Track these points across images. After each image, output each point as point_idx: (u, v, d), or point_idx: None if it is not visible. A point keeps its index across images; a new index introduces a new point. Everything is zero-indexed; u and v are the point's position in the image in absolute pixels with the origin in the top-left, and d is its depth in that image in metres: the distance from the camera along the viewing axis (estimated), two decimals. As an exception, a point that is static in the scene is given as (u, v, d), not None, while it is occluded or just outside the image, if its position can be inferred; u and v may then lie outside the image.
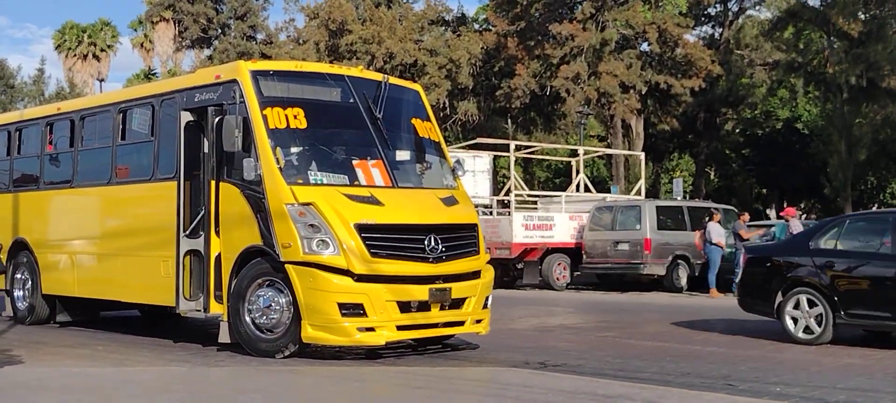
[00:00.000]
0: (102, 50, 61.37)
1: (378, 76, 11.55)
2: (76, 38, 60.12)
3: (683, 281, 22.84)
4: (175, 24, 46.72)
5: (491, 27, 38.84)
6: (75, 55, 60.29)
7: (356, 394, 7.94)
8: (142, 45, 61.46)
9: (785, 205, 37.18)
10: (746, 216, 23.90)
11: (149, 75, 57.62)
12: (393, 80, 11.55)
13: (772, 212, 44.60)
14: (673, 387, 8.29)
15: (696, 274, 22.76)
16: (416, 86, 12.38)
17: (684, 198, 30.67)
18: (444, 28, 42.86)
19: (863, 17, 33.99)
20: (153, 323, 13.25)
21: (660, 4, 36.98)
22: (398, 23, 40.39)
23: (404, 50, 38.32)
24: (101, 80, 59.84)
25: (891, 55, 31.64)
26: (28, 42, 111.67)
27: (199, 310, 10.85)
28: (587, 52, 34.80)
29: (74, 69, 59.94)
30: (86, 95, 41.33)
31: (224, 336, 10.32)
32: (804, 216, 41.58)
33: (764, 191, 47.18)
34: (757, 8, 42.69)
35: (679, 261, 22.90)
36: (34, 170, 14.15)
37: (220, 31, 45.32)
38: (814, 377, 9.22)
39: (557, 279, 23.99)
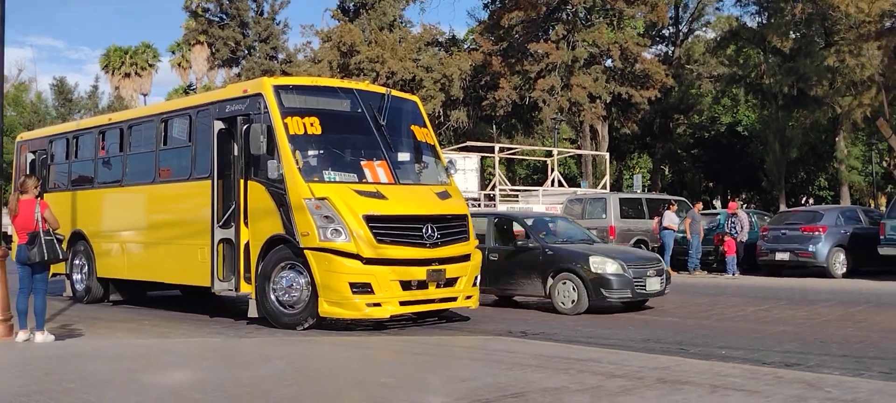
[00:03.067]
0: (144, 68, 61.37)
1: (382, 89, 11.58)
2: (120, 60, 60.14)
3: (643, 262, 22.91)
4: (208, 47, 46.60)
5: (478, 47, 38.83)
6: (120, 73, 60.27)
7: (365, 359, 7.96)
8: (179, 65, 61.51)
9: (729, 198, 37.33)
10: (700, 205, 24.05)
11: (187, 90, 57.59)
12: (394, 93, 11.57)
13: (718, 203, 44.79)
14: (635, 352, 8.32)
15: (654, 255, 22.86)
16: (415, 98, 12.40)
17: (643, 191, 30.76)
18: (438, 48, 42.83)
19: (793, 35, 34.07)
20: (192, 301, 13.24)
21: (621, 27, 36.99)
22: (399, 44, 40.38)
23: (404, 67, 38.29)
24: (145, 95, 59.87)
25: (817, 68, 31.72)
26: (82, 62, 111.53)
27: (231, 290, 10.88)
28: (560, 67, 34.86)
29: (120, 85, 59.93)
30: (132, 108, 41.28)
31: (253, 312, 10.37)
32: (744, 206, 41.69)
33: (710, 184, 47.31)
34: (704, 29, 42.92)
35: (639, 245, 22.97)
36: (89, 171, 14.17)
37: (246, 52, 45.20)
38: (754, 342, 9.29)
39: (536, 261, 24.06)
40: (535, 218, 15.19)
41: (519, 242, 13.13)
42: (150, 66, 62.07)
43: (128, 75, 60.62)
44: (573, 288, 11.89)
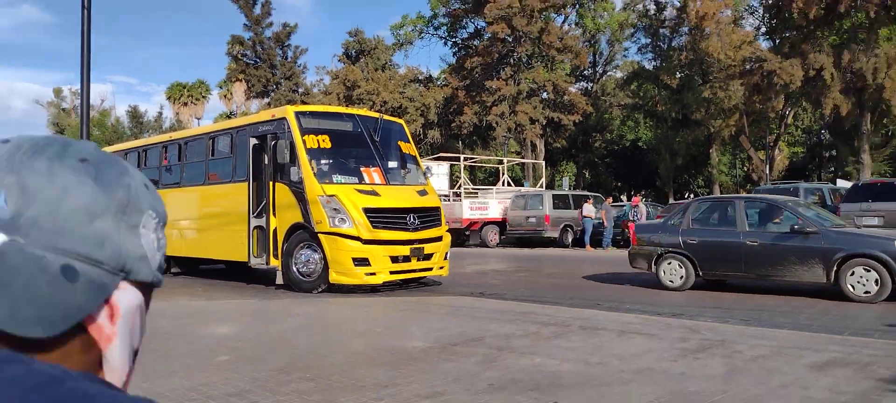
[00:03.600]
0: (198, 99, 60.57)
1: (376, 114, 11.52)
2: (180, 92, 59.38)
3: (569, 241, 23.04)
4: (245, 83, 46.16)
5: (448, 84, 38.83)
6: (180, 103, 59.51)
7: (364, 314, 7.93)
8: (224, 96, 60.84)
9: (632, 194, 37.49)
10: (610, 199, 24.21)
11: (229, 115, 56.92)
12: (386, 117, 11.52)
13: (624, 198, 45.07)
14: (563, 306, 8.37)
15: (577, 236, 23.00)
16: (401, 121, 12.36)
17: (569, 189, 30.95)
18: (418, 84, 42.71)
19: (679, 75, 34.42)
20: (233, 272, 13.12)
21: (554, 68, 37.12)
22: (389, 81, 40.23)
23: (393, 98, 38.16)
24: (198, 119, 59.03)
25: (696, 99, 32.08)
26: (151, 94, 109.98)
27: (263, 264, 10.78)
28: (508, 98, 34.94)
29: (180, 112, 59.16)
30: (188, 129, 40.79)
31: (279, 280, 10.29)
32: (644, 200, 42.09)
33: (619, 184, 47.60)
34: (614, 70, 43.17)
35: (566, 228, 23.09)
36: (155, 176, 13.94)
37: (275, 87, 44.77)
38: (650, 298, 9.36)
39: (491, 240, 24.07)
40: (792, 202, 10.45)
41: (794, 226, 9.05)
42: (203, 97, 61.29)
43: (186, 104, 59.78)
44: (874, 275, 8.30)
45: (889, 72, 24.35)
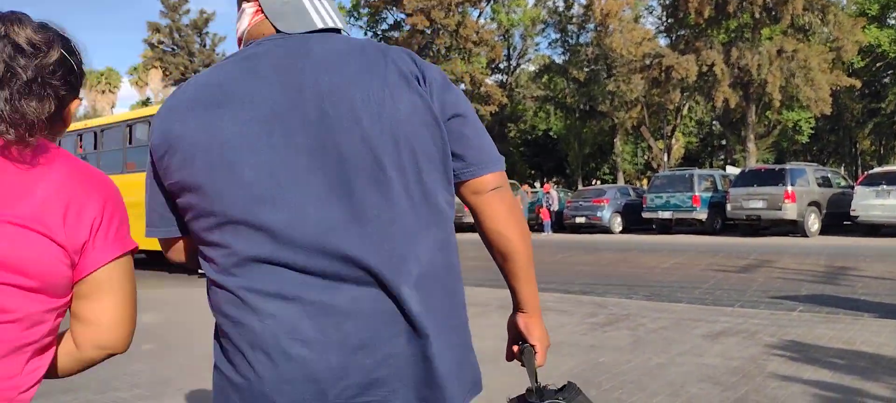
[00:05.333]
0: (114, 88, 57.48)
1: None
2: (96, 80, 56.12)
3: (487, 226, 23.34)
4: (162, 70, 44.09)
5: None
6: (96, 91, 56.25)
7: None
8: (136, 83, 57.96)
9: (545, 181, 38.44)
10: (527, 186, 24.68)
11: (146, 103, 54.25)
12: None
13: (537, 184, 46.08)
14: (483, 287, 8.42)
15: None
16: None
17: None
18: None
19: (586, 69, 35.37)
20: (153, 263, 12.56)
21: (471, 61, 37.40)
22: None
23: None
24: (113, 107, 56.01)
25: (602, 92, 33.09)
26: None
27: None
28: (428, 89, 34.92)
29: (96, 100, 55.92)
30: (103, 116, 38.60)
31: (202, 269, 9.92)
32: (555, 186, 43.18)
33: (533, 172, 48.63)
34: (527, 64, 43.91)
35: (484, 214, 23.39)
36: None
37: (193, 74, 43.07)
38: (562, 277, 9.52)
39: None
40: None
41: None
42: (116, 86, 58.23)
43: (103, 92, 56.62)
44: None
45: (771, 68, 25.97)
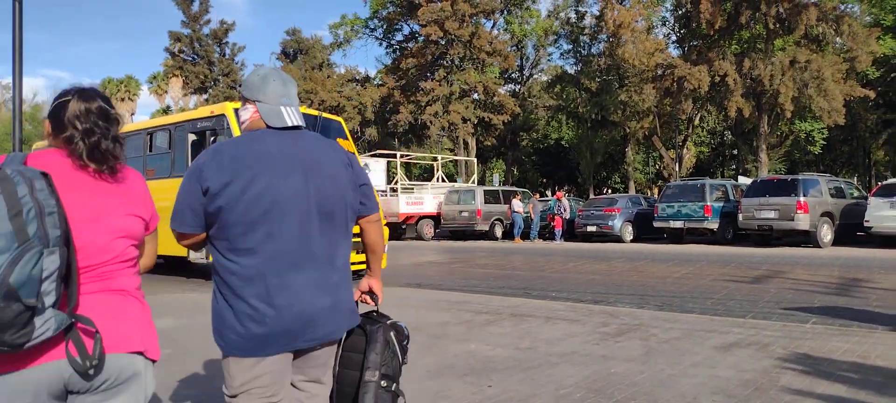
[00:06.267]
0: (133, 96, 58.05)
1: (315, 112, 11.32)
2: (115, 88, 56.73)
3: (499, 234, 23.32)
4: (183, 79, 44.51)
5: (384, 83, 38.51)
6: (115, 98, 56.84)
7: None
8: (155, 92, 58.46)
9: (556, 190, 38.31)
10: (537, 195, 24.61)
11: (165, 111, 54.78)
12: (324, 115, 11.33)
13: (549, 193, 45.98)
14: (494, 295, 8.46)
15: (507, 229, 23.31)
16: (339, 119, 12.17)
17: (499, 185, 31.33)
18: (355, 84, 42.24)
19: (598, 79, 35.29)
20: (172, 268, 12.64)
21: (484, 71, 37.44)
22: (327, 80, 39.62)
23: (331, 96, 37.63)
24: (132, 114, 56.57)
25: (614, 102, 32.97)
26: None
27: (202, 259, 10.44)
28: (442, 98, 34.97)
29: (117, 108, 56.61)
30: (122, 124, 39.01)
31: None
32: (567, 194, 43.06)
33: (544, 180, 48.54)
34: (539, 74, 43.90)
35: (496, 222, 23.36)
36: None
37: (212, 83, 43.34)
38: (573, 286, 9.51)
39: (426, 234, 24.11)
40: None
41: None
42: (135, 93, 58.81)
43: (122, 100, 57.19)
44: None
45: (783, 78, 25.73)
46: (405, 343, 2.35)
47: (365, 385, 2.15)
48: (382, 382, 2.17)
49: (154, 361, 1.80)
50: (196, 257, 10.46)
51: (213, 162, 1.96)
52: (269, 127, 2.05)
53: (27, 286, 1.47)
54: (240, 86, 40.68)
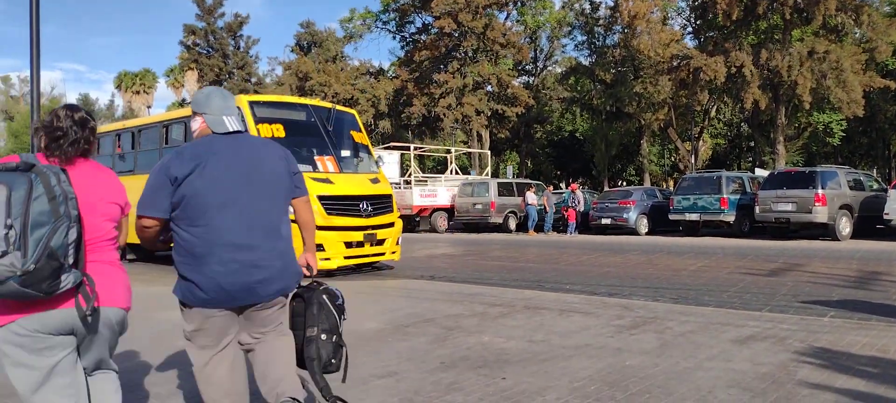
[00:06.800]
0: (148, 88, 58.51)
1: (329, 105, 11.33)
2: (130, 81, 57.20)
3: (513, 226, 23.30)
4: (198, 72, 44.81)
5: (398, 76, 38.53)
6: (131, 91, 57.35)
7: (319, 298, 7.84)
8: (172, 85, 58.83)
9: (570, 182, 38.15)
10: (551, 188, 24.53)
11: (181, 103, 55.18)
12: (338, 107, 11.35)
13: (563, 185, 45.86)
14: (508, 288, 8.46)
15: (520, 222, 23.28)
16: (353, 111, 12.19)
17: (513, 177, 31.24)
18: (369, 76, 42.26)
19: (613, 71, 35.02)
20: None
21: (497, 63, 37.31)
22: (341, 72, 39.68)
23: (345, 89, 37.66)
24: (149, 107, 57.05)
25: (629, 93, 32.70)
26: (101, 82, 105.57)
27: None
28: (455, 91, 34.90)
29: (132, 101, 56.99)
30: (140, 117, 39.29)
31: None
32: (582, 187, 42.90)
33: (559, 173, 48.38)
34: (553, 65, 43.67)
35: (510, 214, 23.33)
36: (108, 164, 13.40)
37: (227, 76, 43.58)
38: (588, 279, 9.48)
39: (440, 226, 24.13)
40: None
41: None
42: (151, 86, 59.24)
43: (137, 93, 57.67)
44: None
45: (801, 69, 25.38)
46: (339, 302, 2.92)
47: (309, 340, 2.78)
48: (322, 335, 2.80)
49: (128, 310, 2.51)
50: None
51: (177, 159, 2.53)
52: (215, 133, 2.65)
53: (61, 249, 2.10)
54: (253, 79, 40.87)
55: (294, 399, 2.64)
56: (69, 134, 2.36)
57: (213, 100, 2.68)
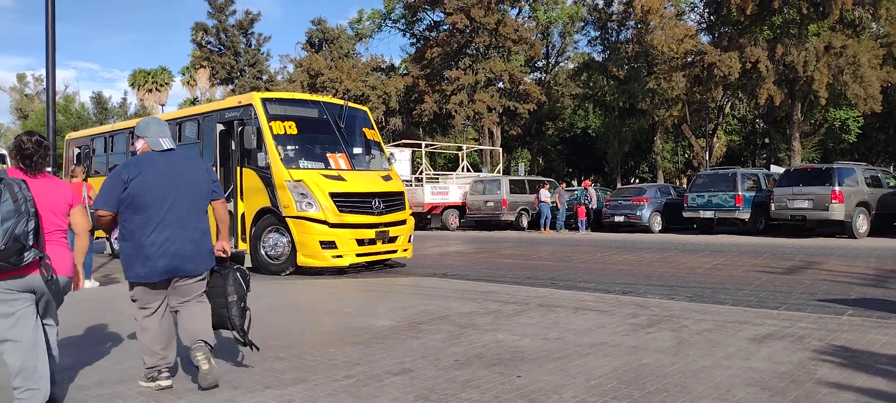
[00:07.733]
0: (162, 86, 58.80)
1: (340, 102, 11.35)
2: (144, 79, 57.52)
3: (525, 224, 23.24)
4: (210, 70, 45.02)
5: (409, 73, 38.51)
6: (144, 89, 57.69)
7: (331, 294, 7.86)
8: (188, 83, 59.10)
9: (583, 180, 37.98)
10: (564, 185, 24.43)
11: (194, 101, 55.46)
12: (350, 104, 11.37)
13: (575, 182, 45.66)
14: (521, 286, 8.44)
15: (532, 219, 23.21)
16: (365, 108, 12.20)
17: (525, 175, 31.11)
18: (380, 73, 42.29)
19: (626, 67, 34.80)
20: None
21: (509, 59, 37.19)
22: (352, 69, 39.73)
23: (356, 86, 37.69)
24: (162, 105, 57.36)
25: (642, 89, 32.48)
26: (114, 81, 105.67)
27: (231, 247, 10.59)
28: (467, 88, 34.83)
29: (144, 98, 57.35)
30: (154, 114, 39.53)
31: (247, 263, 10.08)
32: (594, 185, 42.68)
33: (571, 169, 48.16)
34: (565, 62, 43.46)
35: (522, 212, 23.27)
36: (122, 161, 13.50)
37: (239, 74, 43.75)
38: (601, 277, 9.44)
39: (451, 224, 24.12)
40: None
41: None
42: (166, 84, 59.52)
43: (150, 91, 57.98)
44: None
45: (818, 65, 25.10)
46: (247, 278, 4.10)
47: (228, 305, 3.98)
48: (237, 300, 4.01)
49: (71, 279, 3.49)
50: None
51: (126, 168, 3.73)
52: (153, 150, 3.84)
53: (23, 235, 3.11)
54: (265, 76, 41.15)
55: (205, 341, 3.74)
56: (34, 153, 3.45)
57: (151, 126, 3.90)
